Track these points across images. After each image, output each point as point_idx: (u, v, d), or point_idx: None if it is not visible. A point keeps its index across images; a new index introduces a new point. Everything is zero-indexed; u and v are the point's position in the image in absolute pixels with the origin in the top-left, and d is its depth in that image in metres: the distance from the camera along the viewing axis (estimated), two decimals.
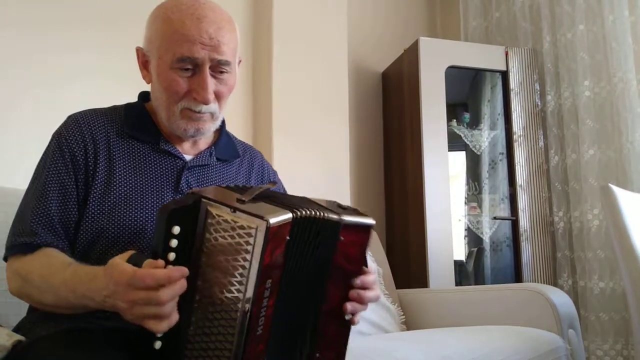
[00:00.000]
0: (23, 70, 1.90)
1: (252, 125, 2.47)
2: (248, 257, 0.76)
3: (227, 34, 1.04)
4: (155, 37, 1.04)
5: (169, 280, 0.74)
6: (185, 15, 1.01)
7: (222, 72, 1.05)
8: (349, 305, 0.91)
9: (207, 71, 1.02)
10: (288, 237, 0.80)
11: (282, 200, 0.86)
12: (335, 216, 0.87)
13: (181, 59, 1.00)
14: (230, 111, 2.34)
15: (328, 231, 0.87)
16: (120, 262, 0.79)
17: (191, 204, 0.78)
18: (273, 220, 0.76)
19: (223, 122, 1.19)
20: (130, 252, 0.82)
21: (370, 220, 0.91)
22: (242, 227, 0.76)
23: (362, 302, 0.92)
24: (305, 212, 0.83)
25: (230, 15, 1.09)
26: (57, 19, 1.99)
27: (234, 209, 0.77)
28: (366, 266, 0.94)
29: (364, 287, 0.93)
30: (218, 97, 1.06)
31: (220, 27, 1.03)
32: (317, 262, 0.87)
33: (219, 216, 0.78)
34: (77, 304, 0.88)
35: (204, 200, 0.79)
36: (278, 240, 0.78)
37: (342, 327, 0.92)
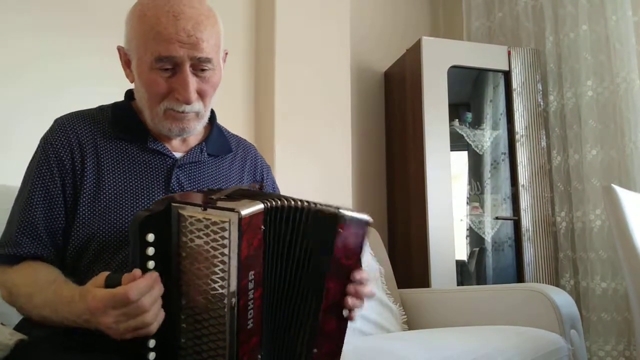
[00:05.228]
0: (27, 74, 1.91)
1: (253, 126, 2.47)
2: (226, 251, 0.76)
3: (207, 29, 0.99)
4: (133, 36, 1.01)
5: (152, 285, 0.75)
6: (161, 12, 0.97)
7: (203, 70, 1.00)
8: (349, 300, 0.90)
9: (188, 70, 0.98)
10: (263, 227, 0.80)
11: (256, 194, 0.86)
12: (331, 209, 0.87)
13: (159, 58, 0.97)
14: (231, 114, 2.38)
15: (323, 224, 0.86)
16: (92, 289, 0.78)
17: (162, 210, 0.78)
18: (245, 212, 0.76)
19: (214, 115, 1.15)
20: (104, 275, 0.79)
21: (366, 217, 0.91)
22: (215, 224, 0.77)
23: (359, 297, 0.92)
24: (278, 202, 0.83)
25: (209, 8, 1.03)
26: (60, 24, 1.99)
27: (204, 207, 0.78)
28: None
29: (361, 283, 0.92)
30: (202, 95, 1.02)
31: (198, 22, 0.98)
32: (310, 254, 0.87)
33: (191, 217, 0.78)
34: (62, 323, 0.86)
35: (174, 204, 0.79)
36: (253, 231, 0.79)
37: (341, 323, 0.92)
